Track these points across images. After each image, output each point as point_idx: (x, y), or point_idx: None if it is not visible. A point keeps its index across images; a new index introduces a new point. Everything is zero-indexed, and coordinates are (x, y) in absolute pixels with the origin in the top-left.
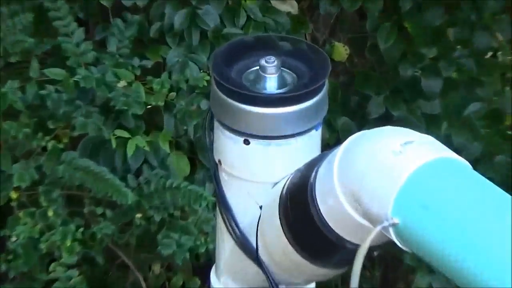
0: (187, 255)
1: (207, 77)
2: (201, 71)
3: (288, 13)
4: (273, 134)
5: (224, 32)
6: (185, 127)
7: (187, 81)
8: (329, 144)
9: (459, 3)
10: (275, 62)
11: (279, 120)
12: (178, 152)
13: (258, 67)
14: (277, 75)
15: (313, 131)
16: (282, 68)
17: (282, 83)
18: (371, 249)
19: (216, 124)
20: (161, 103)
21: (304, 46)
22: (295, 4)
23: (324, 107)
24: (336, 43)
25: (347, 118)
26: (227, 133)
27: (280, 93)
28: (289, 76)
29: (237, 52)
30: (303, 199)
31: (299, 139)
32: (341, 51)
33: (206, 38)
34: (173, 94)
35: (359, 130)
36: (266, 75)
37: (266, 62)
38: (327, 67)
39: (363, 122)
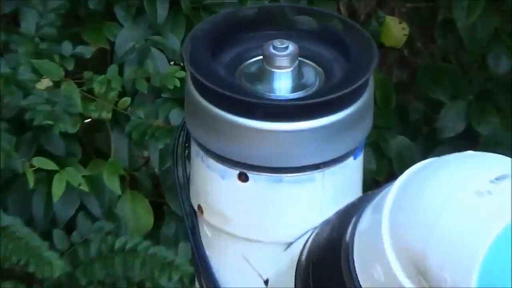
0: None
1: (181, 73)
2: (172, 62)
3: None
4: (286, 164)
5: (207, 1)
6: (145, 153)
7: (148, 79)
8: (376, 180)
9: None
10: (289, 49)
11: (295, 142)
12: (135, 194)
13: (261, 58)
14: (291, 69)
15: (350, 160)
16: (300, 58)
17: (299, 82)
18: None
19: (194, 148)
20: (107, 115)
21: (336, 23)
22: None
23: (367, 121)
24: (388, 18)
25: (405, 138)
26: (212, 163)
27: (297, 98)
28: (311, 72)
29: (228, 33)
30: (333, 268)
31: (328, 172)
32: (396, 30)
33: (179, 10)
34: (126, 100)
35: (424, 157)
36: (274, 70)
37: (275, 49)
38: (372, 57)
39: (431, 143)
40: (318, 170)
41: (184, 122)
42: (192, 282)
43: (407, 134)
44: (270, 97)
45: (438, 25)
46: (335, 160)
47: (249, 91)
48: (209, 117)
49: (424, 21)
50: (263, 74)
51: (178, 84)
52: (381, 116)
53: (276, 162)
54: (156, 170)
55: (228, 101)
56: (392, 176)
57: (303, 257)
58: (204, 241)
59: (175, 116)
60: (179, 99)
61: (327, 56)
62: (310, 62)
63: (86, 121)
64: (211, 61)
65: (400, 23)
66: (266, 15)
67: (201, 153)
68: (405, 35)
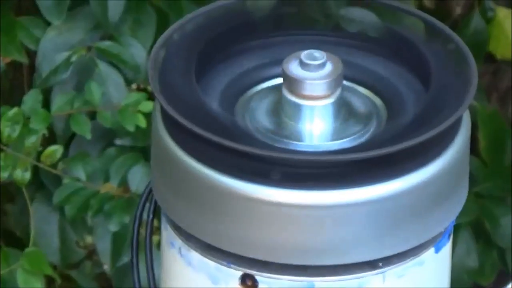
0: None
1: (148, 105)
2: (133, 86)
3: None
4: (321, 261)
5: None
6: (87, 240)
7: (93, 115)
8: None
9: None
10: (328, 68)
11: (335, 225)
12: None
13: (279, 81)
14: (331, 101)
15: (429, 253)
16: (346, 83)
17: (344, 123)
18: None
19: (167, 232)
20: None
21: (410, 22)
22: None
23: (459, 189)
24: (502, 11)
25: None
26: (197, 257)
27: (340, 151)
28: (365, 105)
29: (225, 38)
30: None
31: (391, 274)
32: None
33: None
34: (56, 150)
35: None
36: (301, 102)
37: (303, 66)
38: (468, 80)
39: None
40: (375, 271)
41: (151, 188)
42: None
43: None
44: (295, 149)
45: None
46: (403, 255)
47: (259, 139)
48: (192, 182)
49: None
50: (283, 109)
51: (144, 124)
52: (488, 177)
53: (304, 258)
54: (106, 267)
55: (224, 155)
56: (505, 278)
57: None
58: None
59: (137, 178)
60: (144, 149)
61: (392, 79)
62: (364, 89)
63: None
64: (195, 86)
65: None
66: (292, 7)
67: (178, 241)
68: None
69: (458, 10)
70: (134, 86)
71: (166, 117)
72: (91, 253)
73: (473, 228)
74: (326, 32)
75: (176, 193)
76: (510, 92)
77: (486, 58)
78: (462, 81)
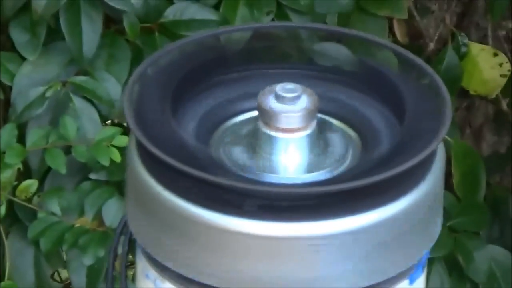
0: None
1: (123, 139)
2: (108, 122)
3: None
4: None
5: (169, 19)
6: (63, 274)
7: (68, 149)
8: None
9: None
10: (303, 101)
11: (311, 257)
12: None
13: (255, 114)
14: (306, 134)
15: (404, 285)
16: (321, 116)
17: (319, 156)
18: None
19: (142, 265)
20: None
21: (384, 56)
22: None
23: (432, 222)
24: (475, 46)
25: (503, 250)
26: None
27: (315, 183)
28: (339, 138)
29: (200, 72)
30: None
31: None
32: (488, 67)
33: (120, 34)
34: (31, 184)
35: None
36: (276, 135)
37: (279, 99)
38: (442, 115)
39: None
40: None
41: (126, 222)
42: None
43: (505, 243)
44: (270, 181)
45: None
46: (378, 286)
47: (235, 171)
48: (167, 213)
49: None
50: (258, 142)
51: (118, 159)
52: (462, 212)
53: None
54: None
55: (199, 187)
56: None
57: None
58: None
59: (112, 211)
60: (118, 183)
61: (366, 112)
62: (339, 123)
63: None
64: (170, 119)
65: (495, 55)
66: (266, 41)
67: (154, 272)
68: (504, 75)
69: (431, 45)
70: (108, 122)
71: (141, 149)
72: (67, 287)
73: (447, 262)
74: (300, 66)
75: (151, 224)
76: (484, 127)
77: (460, 93)
78: (437, 114)
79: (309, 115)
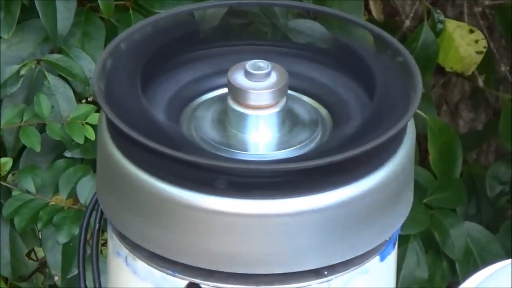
0: None
1: (97, 117)
2: (83, 101)
3: None
4: (267, 269)
5: None
6: (38, 252)
7: (42, 127)
8: None
9: None
10: (273, 77)
11: (281, 233)
12: None
13: (225, 91)
14: (276, 111)
15: (374, 262)
16: (291, 92)
17: (289, 133)
18: None
19: (113, 242)
20: None
21: (357, 33)
22: None
23: (403, 198)
24: (451, 23)
25: (478, 226)
26: (143, 267)
27: (285, 160)
28: (310, 115)
29: (171, 48)
30: None
31: (336, 283)
32: (464, 44)
33: (94, 11)
34: (6, 163)
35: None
36: (247, 112)
37: (249, 76)
38: (412, 91)
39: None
40: (321, 280)
41: (97, 199)
42: None
43: (482, 219)
44: (241, 158)
45: None
46: (348, 264)
47: (205, 148)
48: (137, 191)
49: None
50: (229, 119)
51: (92, 137)
52: (438, 189)
53: (249, 266)
54: (57, 279)
55: (169, 164)
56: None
57: None
58: None
59: (86, 190)
60: (93, 161)
61: (338, 89)
62: (309, 99)
63: None
64: (140, 96)
65: (471, 31)
66: (241, 18)
67: (125, 250)
68: (480, 52)
69: (407, 23)
70: (83, 101)
71: (111, 126)
72: (43, 265)
73: (423, 239)
74: (274, 43)
75: (122, 202)
76: (460, 104)
77: (436, 71)
78: (407, 92)
79: (279, 92)
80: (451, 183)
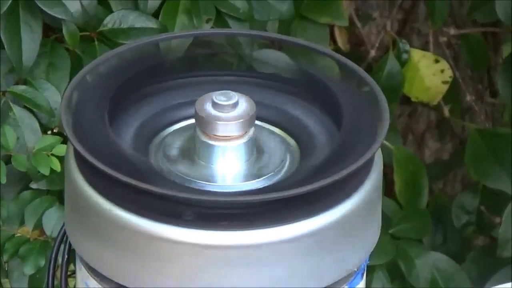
0: None
1: (62, 148)
2: (49, 132)
3: None
4: None
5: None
6: (5, 284)
7: (8, 159)
8: None
9: None
10: (241, 108)
11: (246, 265)
12: None
13: (193, 122)
14: (243, 141)
15: None
16: (259, 123)
17: (256, 164)
18: None
19: (81, 274)
20: None
21: (324, 63)
22: None
23: (371, 229)
24: (416, 53)
25: (445, 256)
26: None
27: (251, 191)
28: (277, 146)
29: (139, 79)
30: None
31: None
32: (430, 74)
33: (59, 43)
34: None
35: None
36: (214, 143)
37: (216, 107)
38: (380, 122)
39: (487, 265)
40: None
41: (65, 231)
42: None
43: (448, 250)
44: (207, 190)
45: (503, 63)
46: None
47: (172, 179)
48: (105, 223)
49: (479, 58)
50: (196, 150)
51: (58, 168)
52: (404, 219)
53: None
54: None
55: (137, 196)
56: None
57: None
58: None
59: (53, 221)
60: (59, 192)
61: (305, 119)
62: (277, 130)
63: None
64: (108, 128)
65: (437, 61)
66: (206, 48)
67: (92, 281)
68: (445, 82)
69: (373, 52)
70: (49, 132)
71: (78, 158)
72: None
73: (389, 270)
74: (240, 73)
75: (89, 234)
76: (426, 134)
77: (402, 100)
78: (374, 122)
79: (247, 122)
80: (417, 213)
